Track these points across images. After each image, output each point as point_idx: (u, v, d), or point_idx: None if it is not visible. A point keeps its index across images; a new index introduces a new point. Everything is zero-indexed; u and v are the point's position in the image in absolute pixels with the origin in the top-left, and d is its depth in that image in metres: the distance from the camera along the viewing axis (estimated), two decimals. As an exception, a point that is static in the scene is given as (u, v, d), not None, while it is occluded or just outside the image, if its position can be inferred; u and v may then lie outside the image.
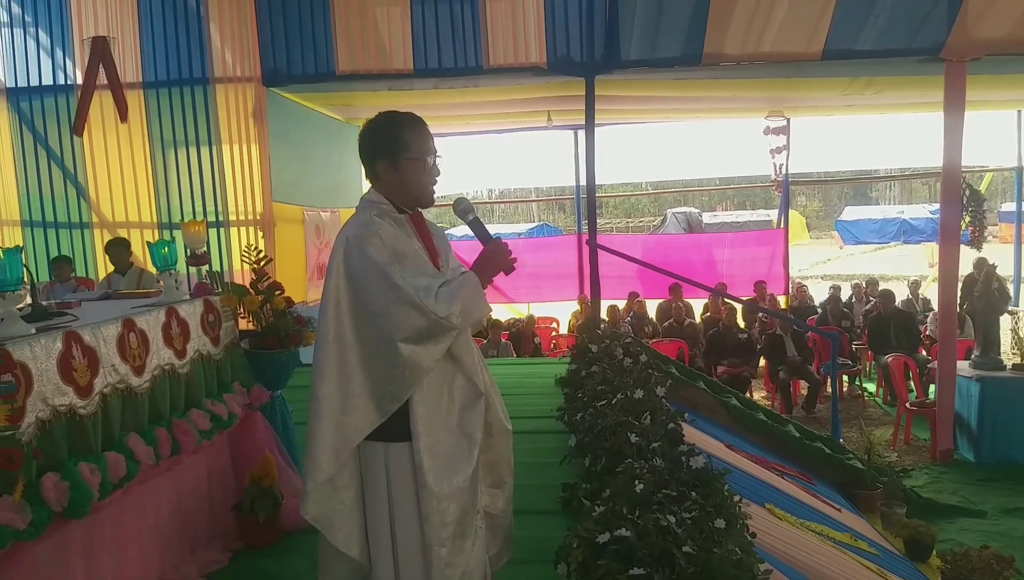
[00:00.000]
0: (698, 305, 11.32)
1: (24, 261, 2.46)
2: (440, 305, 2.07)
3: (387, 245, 2.12)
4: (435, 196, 2.30)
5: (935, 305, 9.67)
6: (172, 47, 7.34)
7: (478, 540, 2.23)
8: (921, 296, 11.96)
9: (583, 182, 10.82)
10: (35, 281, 2.95)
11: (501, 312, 11.68)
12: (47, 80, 7.55)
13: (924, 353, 9.58)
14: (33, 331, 2.37)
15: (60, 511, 2.28)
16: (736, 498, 2.92)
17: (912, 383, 8.88)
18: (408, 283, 2.08)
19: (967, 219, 7.75)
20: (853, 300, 11.72)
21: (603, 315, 8.97)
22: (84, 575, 2.49)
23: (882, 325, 9.56)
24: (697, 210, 27.99)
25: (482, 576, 2.25)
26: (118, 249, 6.51)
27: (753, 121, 11.60)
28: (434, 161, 2.24)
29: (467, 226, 2.29)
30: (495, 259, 2.21)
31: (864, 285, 11.98)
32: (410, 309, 2.06)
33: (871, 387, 10.20)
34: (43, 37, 7.53)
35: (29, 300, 2.76)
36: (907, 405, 8.09)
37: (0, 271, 2.30)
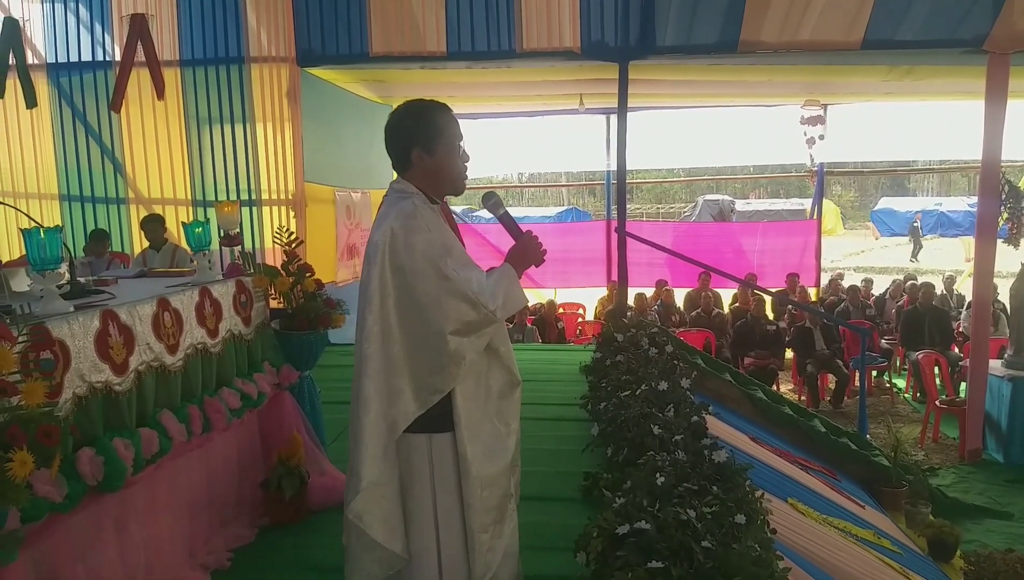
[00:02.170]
0: (727, 295, 11.23)
1: (63, 238, 2.52)
2: (490, 298, 2.10)
3: (435, 236, 2.12)
4: (466, 183, 2.30)
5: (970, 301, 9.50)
6: (209, 26, 7.41)
7: (512, 523, 2.29)
8: (956, 292, 11.75)
9: (614, 168, 10.77)
10: (73, 258, 3.02)
11: (528, 296, 11.68)
12: (86, 56, 7.66)
13: (956, 350, 9.44)
14: (71, 309, 2.44)
15: (95, 485, 2.35)
16: (758, 493, 2.92)
17: (942, 380, 8.76)
18: (459, 276, 2.09)
19: (1005, 215, 7.58)
20: (887, 295, 11.55)
21: (630, 303, 8.95)
22: (117, 547, 2.56)
23: (917, 320, 9.41)
24: (730, 198, 27.72)
25: (515, 557, 2.32)
26: (153, 225, 6.63)
27: (789, 108, 11.44)
28: (463, 148, 2.24)
29: (496, 219, 2.31)
30: (528, 252, 2.24)
31: (903, 281, 11.78)
32: (461, 302, 2.08)
33: (901, 383, 10.08)
34: (83, 13, 7.64)
35: (67, 277, 2.83)
36: (936, 403, 7.99)
37: (40, 250, 2.36)
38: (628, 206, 7.87)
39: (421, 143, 2.17)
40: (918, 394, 9.29)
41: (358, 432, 2.16)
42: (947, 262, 20.38)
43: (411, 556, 2.22)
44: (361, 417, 2.15)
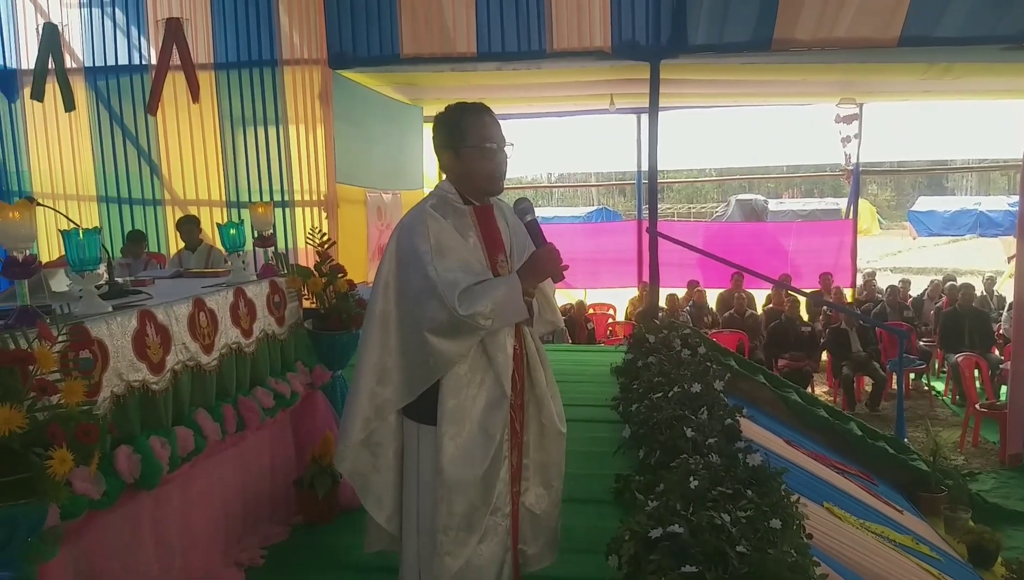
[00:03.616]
0: (760, 296, 11.10)
1: (101, 240, 2.55)
2: (464, 303, 2.09)
3: (432, 236, 2.17)
4: (502, 184, 2.31)
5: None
6: (243, 29, 7.51)
7: (492, 540, 2.24)
8: (996, 293, 11.49)
9: (645, 167, 10.70)
10: (111, 259, 3.06)
11: (558, 297, 11.65)
12: (123, 60, 7.79)
13: (997, 353, 9.23)
14: (110, 309, 2.47)
15: (132, 482, 2.38)
16: (794, 497, 2.88)
17: (982, 383, 8.57)
18: (440, 277, 2.12)
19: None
20: (925, 296, 11.33)
21: (661, 303, 8.88)
22: (153, 543, 2.59)
23: (956, 322, 9.22)
24: (763, 197, 27.38)
25: (495, 575, 2.25)
26: (189, 227, 6.72)
27: (823, 106, 11.28)
28: (499, 149, 2.24)
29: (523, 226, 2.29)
30: (542, 265, 2.21)
31: (942, 281, 11.55)
32: (435, 302, 2.12)
33: (939, 386, 9.88)
34: (120, 17, 7.77)
35: (106, 277, 2.87)
36: (976, 406, 7.82)
37: (80, 251, 2.40)
38: (659, 206, 7.80)
39: (450, 146, 2.25)
40: (957, 397, 9.11)
41: (348, 400, 2.31)
42: (987, 262, 19.93)
43: (402, 538, 2.31)
44: (352, 390, 2.29)
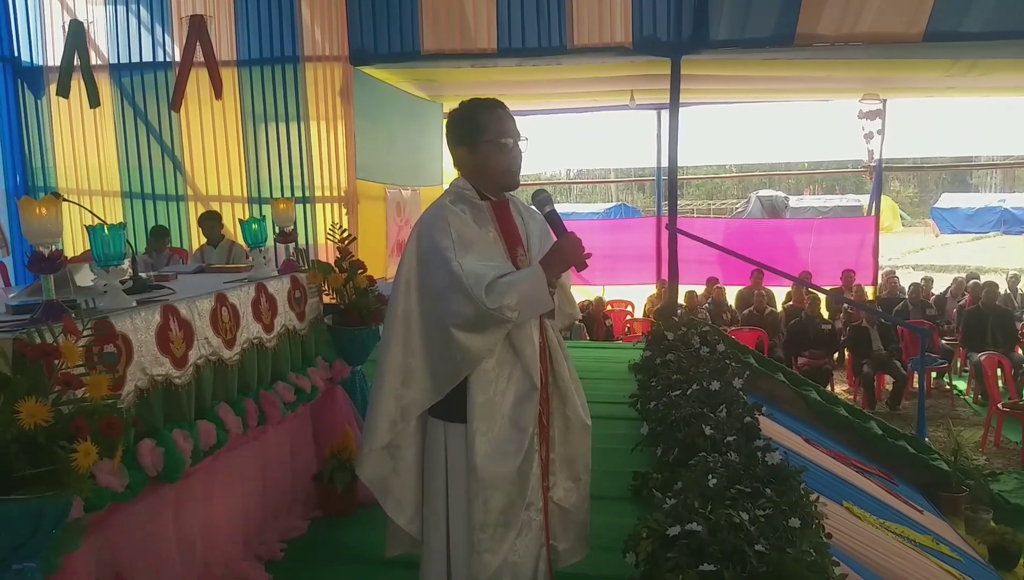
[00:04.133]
0: (780, 293, 11.02)
1: (125, 235, 2.58)
2: (491, 296, 2.07)
3: (453, 231, 2.15)
4: (518, 178, 2.31)
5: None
6: (265, 26, 7.56)
7: (528, 534, 2.22)
8: (1020, 291, 11.34)
9: (664, 164, 10.66)
10: (135, 254, 3.10)
11: (575, 294, 11.64)
12: (147, 57, 7.88)
13: (1020, 352, 9.11)
14: (134, 304, 2.50)
15: (155, 475, 2.40)
16: (813, 496, 2.86)
17: (1004, 383, 8.47)
18: (465, 271, 2.09)
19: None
20: (948, 294, 11.20)
21: (680, 300, 8.85)
22: (175, 536, 2.63)
23: (979, 320, 9.11)
24: (784, 194, 27.16)
25: (532, 570, 2.24)
26: (211, 222, 6.78)
27: (846, 102, 11.17)
28: (514, 143, 2.24)
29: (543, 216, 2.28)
30: (565, 254, 2.18)
31: (965, 279, 11.41)
32: (461, 297, 2.09)
33: (961, 385, 9.77)
34: (144, 15, 7.85)
35: (130, 272, 2.91)
36: (999, 406, 7.73)
37: (105, 246, 2.43)
38: (678, 202, 7.77)
39: (467, 142, 2.24)
40: (979, 396, 9.00)
41: (371, 403, 2.28)
42: (1011, 260, 19.65)
43: (423, 538, 2.28)
44: (375, 392, 2.26)
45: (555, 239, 2.23)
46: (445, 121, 2.33)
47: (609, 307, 11.01)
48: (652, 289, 11.29)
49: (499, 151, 2.22)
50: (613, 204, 24.90)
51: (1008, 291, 11.10)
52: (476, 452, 2.14)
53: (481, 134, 2.21)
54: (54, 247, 2.36)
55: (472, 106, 2.25)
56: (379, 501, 2.31)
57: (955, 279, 11.97)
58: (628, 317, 11.45)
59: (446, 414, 2.22)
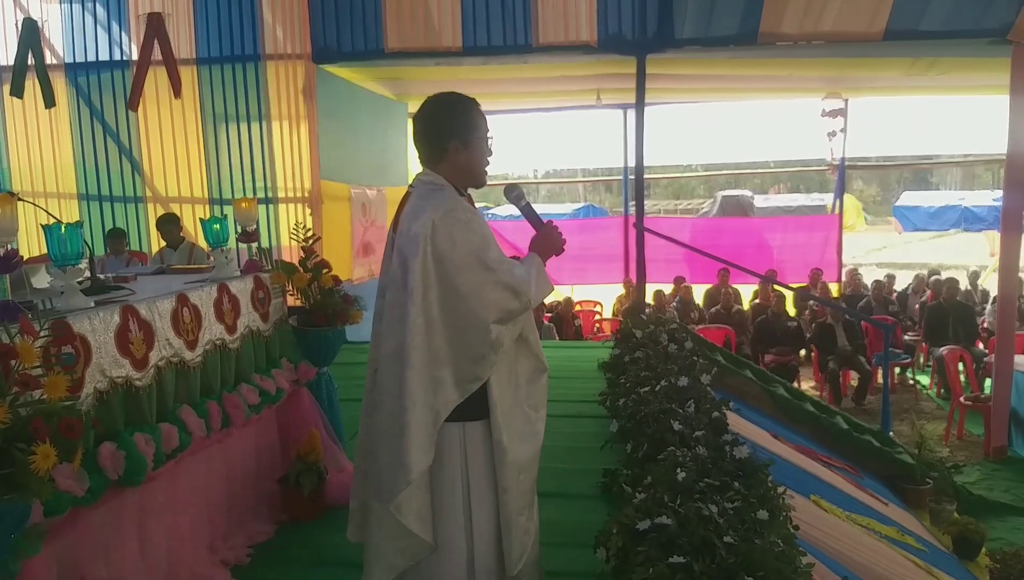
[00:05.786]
0: (747, 291, 11.14)
1: (83, 234, 2.52)
2: (529, 287, 2.17)
3: (475, 227, 2.16)
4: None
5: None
6: (225, 24, 7.44)
7: (537, 507, 2.35)
8: (980, 287, 11.58)
9: (631, 163, 10.71)
10: (93, 255, 3.03)
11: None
12: (104, 55, 7.71)
13: (981, 346, 9.30)
14: (92, 305, 2.44)
15: (116, 479, 2.35)
16: (780, 489, 2.88)
17: (966, 377, 8.64)
18: (502, 266, 2.15)
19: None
20: (910, 291, 11.40)
21: (648, 299, 8.89)
22: (137, 541, 2.57)
23: (941, 316, 9.29)
24: (749, 193, 27.45)
25: (539, 543, 2.36)
26: (169, 226, 6.64)
27: (809, 101, 11.33)
28: (491, 142, 2.30)
29: (519, 210, 2.36)
30: (550, 242, 2.32)
31: (927, 275, 11.62)
32: (505, 291, 2.13)
33: (924, 380, 9.95)
34: (100, 13, 7.69)
35: (88, 273, 2.83)
36: (961, 399, 7.88)
37: (62, 246, 2.37)
38: (645, 202, 7.81)
39: (460, 135, 2.21)
40: (942, 391, 9.17)
41: (404, 424, 2.12)
42: (971, 257, 20.09)
43: (437, 546, 2.22)
44: (408, 409, 2.11)
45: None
46: (424, 111, 2.25)
47: (578, 307, 11.03)
48: (620, 289, 11.34)
49: (487, 149, 2.27)
50: (581, 205, 24.96)
51: (969, 287, 11.32)
52: (505, 443, 2.18)
53: (475, 130, 2.23)
54: (9, 246, 2.29)
55: (461, 100, 2.24)
56: (403, 522, 2.15)
57: (917, 276, 12.19)
58: (597, 317, 11.48)
59: (463, 415, 2.18)
